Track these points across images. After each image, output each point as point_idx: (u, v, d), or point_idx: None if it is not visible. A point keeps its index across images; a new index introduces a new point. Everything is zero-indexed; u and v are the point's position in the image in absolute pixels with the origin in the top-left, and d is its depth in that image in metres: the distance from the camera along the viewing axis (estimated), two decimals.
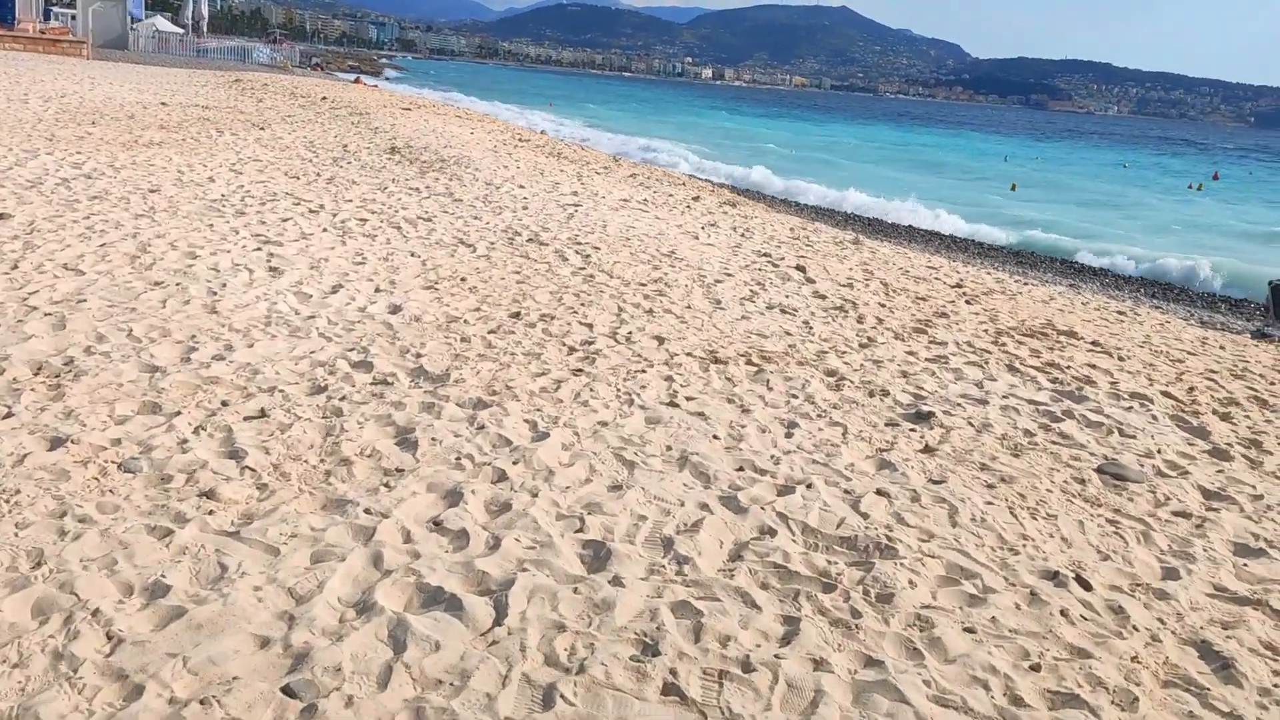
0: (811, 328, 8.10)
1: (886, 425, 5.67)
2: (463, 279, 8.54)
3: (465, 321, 7.14)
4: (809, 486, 4.60)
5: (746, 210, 16.65)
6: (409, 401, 5.29)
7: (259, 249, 8.78)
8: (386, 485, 4.23)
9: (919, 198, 29.67)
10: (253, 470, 4.26)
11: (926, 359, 7.55)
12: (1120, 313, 12.05)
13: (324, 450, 4.56)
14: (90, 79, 28.81)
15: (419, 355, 6.19)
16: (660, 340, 7.07)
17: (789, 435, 5.33)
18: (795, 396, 6.04)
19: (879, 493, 4.61)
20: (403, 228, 10.57)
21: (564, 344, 6.79)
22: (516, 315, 7.48)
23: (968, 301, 10.34)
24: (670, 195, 16.53)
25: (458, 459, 4.56)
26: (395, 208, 11.79)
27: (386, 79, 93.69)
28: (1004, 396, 6.59)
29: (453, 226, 10.95)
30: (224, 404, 5.06)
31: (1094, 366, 8.01)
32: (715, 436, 5.17)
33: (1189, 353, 9.52)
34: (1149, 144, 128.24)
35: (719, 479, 4.62)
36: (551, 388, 5.78)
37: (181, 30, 65.56)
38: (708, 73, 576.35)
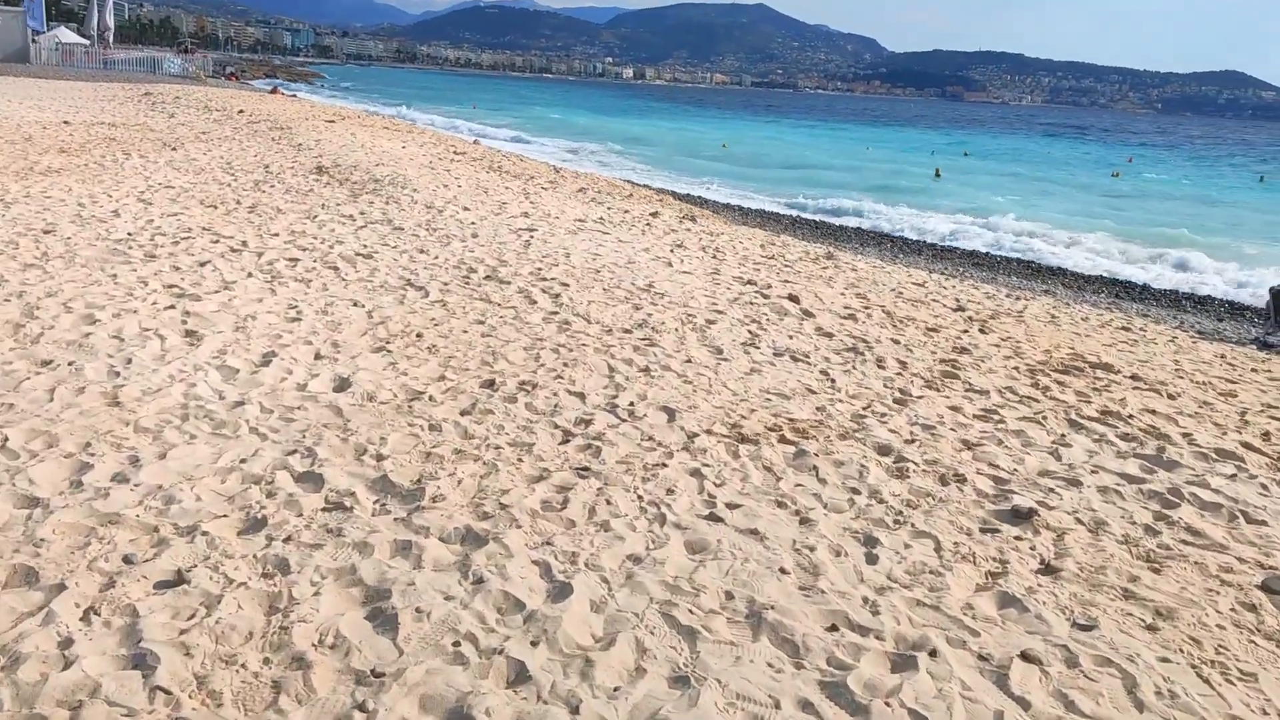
0: (833, 379, 6.94)
1: (983, 532, 4.51)
2: (418, 335, 7.22)
3: (430, 399, 5.84)
4: (932, 654, 3.41)
5: (708, 225, 15.48)
6: (376, 540, 3.99)
7: (172, 306, 7.36)
8: (361, 708, 2.93)
9: (862, 195, 30.33)
10: (166, 693, 2.94)
11: (975, 415, 6.44)
12: (1124, 329, 11.12)
13: (268, 642, 3.25)
14: None
15: (380, 456, 4.89)
16: (670, 413, 5.83)
17: (872, 559, 4.14)
18: (857, 491, 4.86)
19: (1024, 657, 3.44)
20: (340, 268, 9.20)
21: (555, 425, 5.53)
22: (490, 384, 6.19)
23: (981, 331, 9.29)
24: (626, 212, 15.29)
25: (455, 645, 3.28)
26: (329, 241, 10.39)
27: (310, 84, 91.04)
28: (1091, 470, 5.48)
29: (397, 264, 9.60)
30: (127, 562, 3.72)
31: (1153, 412, 6.98)
32: (783, 571, 3.95)
33: (1228, 380, 8.59)
34: (1066, 133, 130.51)
35: (810, 649, 3.41)
36: (556, 500, 4.51)
37: (87, 41, 62.56)
38: (629, 72, 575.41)
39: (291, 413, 5.44)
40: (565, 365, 6.70)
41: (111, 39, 68.55)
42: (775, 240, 14.82)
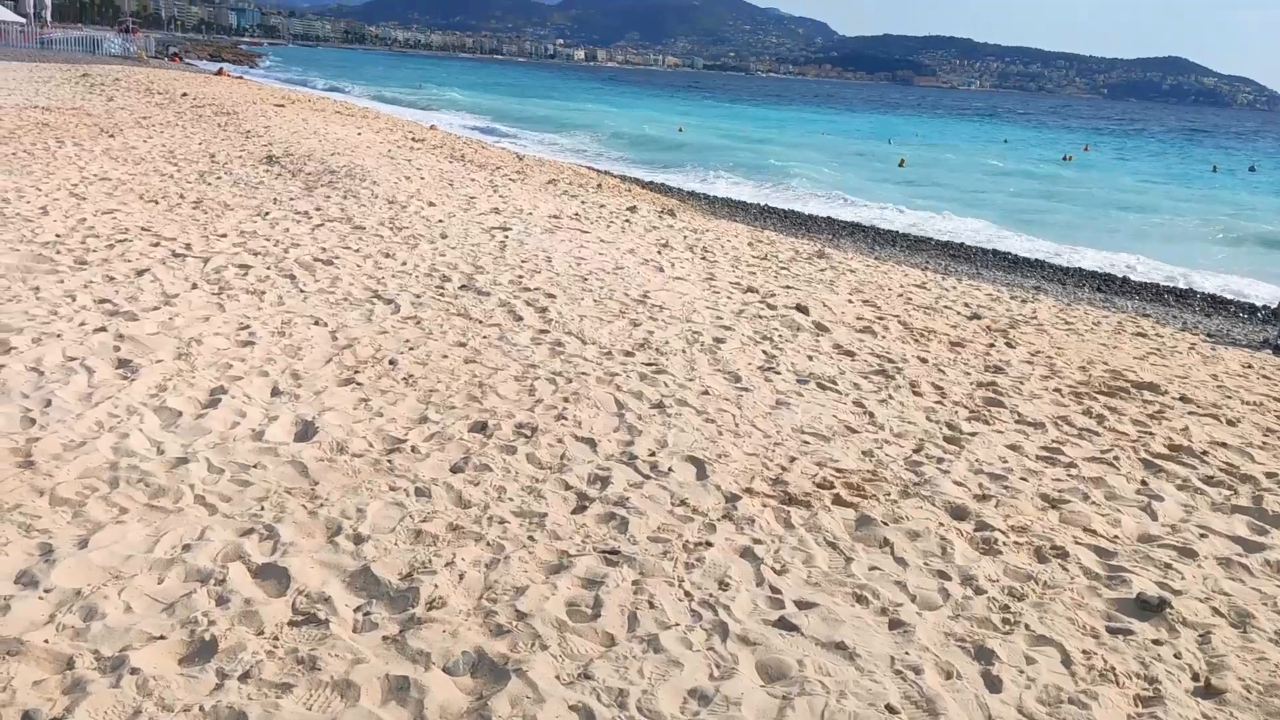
0: (871, 412, 6.08)
1: (1113, 633, 3.67)
2: (391, 361, 6.25)
3: (413, 450, 4.88)
4: None
5: (689, 220, 14.58)
6: (363, 676, 3.05)
7: (103, 328, 6.31)
8: None
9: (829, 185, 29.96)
10: None
11: (1039, 456, 5.63)
12: (1141, 334, 10.42)
13: None
14: None
15: (358, 537, 3.94)
16: (698, 465, 4.93)
17: (994, 684, 3.27)
18: (946, 576, 3.99)
19: None
20: (297, 276, 8.17)
21: (566, 484, 4.60)
22: (482, 428, 5.24)
23: (1009, 344, 8.50)
24: (602, 206, 14.33)
25: None
26: (283, 243, 9.34)
27: (255, 65, 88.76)
28: (1200, 534, 4.67)
29: (361, 270, 8.60)
30: None
31: (1223, 445, 6.24)
32: (890, 710, 3.07)
33: (1274, 397, 7.89)
34: (1017, 119, 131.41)
35: None
36: (585, 601, 3.59)
37: (22, 20, 60.10)
38: (580, 54, 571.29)
39: (246, 472, 4.47)
40: (566, 401, 5.77)
41: (49, 17, 66.08)
42: (761, 237, 13.96)
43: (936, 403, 6.49)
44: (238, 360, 5.99)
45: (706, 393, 6.11)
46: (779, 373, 6.70)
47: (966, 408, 6.47)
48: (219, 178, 12.99)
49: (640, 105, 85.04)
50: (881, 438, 5.65)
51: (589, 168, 27.13)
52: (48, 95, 23.72)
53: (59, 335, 6.09)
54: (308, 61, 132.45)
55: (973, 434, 5.92)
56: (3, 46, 49.81)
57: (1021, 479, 5.21)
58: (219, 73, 48.91)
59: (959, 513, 4.64)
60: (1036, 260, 20.12)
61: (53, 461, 4.38)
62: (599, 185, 19.51)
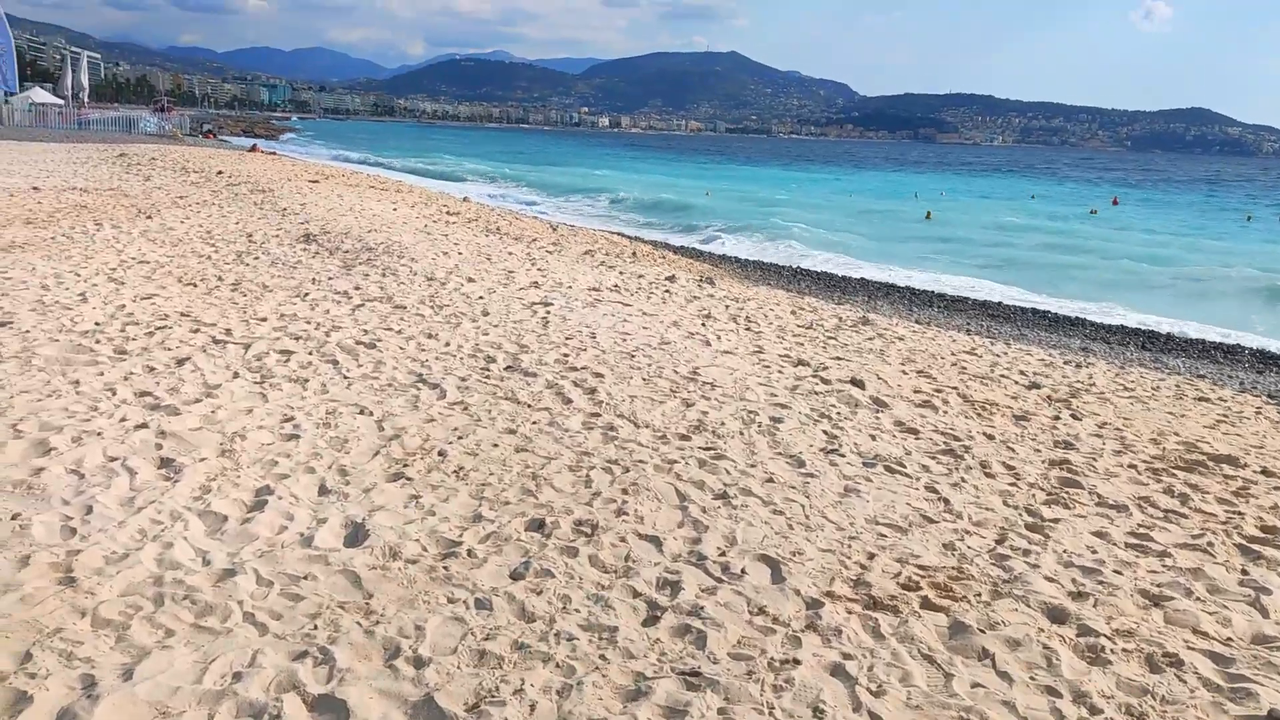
0: (945, 498, 5.77)
1: None
2: (440, 453, 6.01)
3: (470, 553, 4.61)
4: None
5: (729, 288, 14.38)
6: None
7: (144, 424, 6.13)
8: None
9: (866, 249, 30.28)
10: None
11: (1129, 544, 5.30)
12: (1203, 399, 10.05)
13: None
14: None
15: (419, 660, 3.66)
16: (773, 565, 4.63)
17: None
18: (1056, 693, 3.67)
19: None
20: (340, 361, 7.99)
21: (635, 591, 4.31)
22: (540, 526, 4.98)
23: (1074, 416, 8.16)
24: (640, 277, 14.16)
25: None
26: (324, 326, 9.20)
27: (283, 141, 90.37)
28: None
29: (404, 353, 8.41)
30: None
31: None
32: None
33: None
34: (1041, 172, 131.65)
35: None
36: None
37: (60, 102, 61.54)
38: (604, 121, 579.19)
39: (296, 585, 4.22)
40: (625, 493, 5.50)
41: (87, 98, 67.64)
42: (803, 304, 13.72)
43: (1011, 485, 6.17)
44: (283, 456, 5.78)
45: (770, 480, 5.82)
46: (843, 455, 6.40)
47: (1043, 489, 6.14)
48: (257, 258, 12.94)
49: (665, 170, 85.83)
50: (961, 528, 5.33)
51: (621, 235, 27.13)
52: (85, 176, 24.03)
53: (99, 433, 5.90)
54: (338, 135, 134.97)
55: (1054, 520, 5.59)
56: (42, 128, 50.85)
57: (1115, 572, 4.87)
58: (252, 149, 49.66)
59: (1057, 615, 4.31)
60: (1077, 318, 19.84)
61: (94, 577, 4.15)
62: (634, 254, 19.40)
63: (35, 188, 20.32)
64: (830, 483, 5.86)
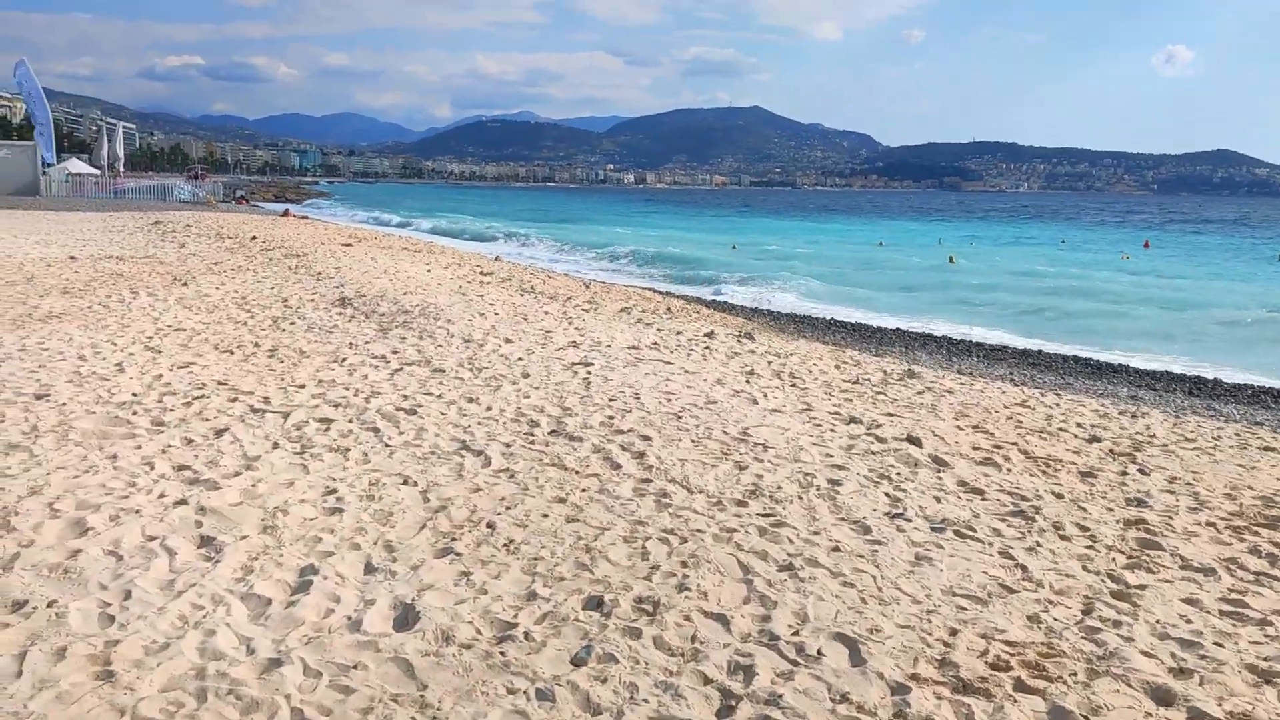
0: (1022, 565, 5.45)
1: None
2: (489, 524, 5.77)
3: (526, 636, 4.35)
4: None
5: (769, 342, 14.13)
6: None
7: (183, 500, 5.93)
8: None
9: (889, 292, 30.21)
10: None
11: (1223, 611, 4.97)
12: (1269, 449, 9.66)
13: None
14: None
15: None
16: (850, 645, 4.33)
17: None
18: None
19: None
20: (380, 429, 7.80)
21: (705, 678, 4.02)
22: (598, 604, 4.71)
23: (1141, 471, 7.82)
24: (679, 333, 13.95)
25: None
26: (363, 392, 9.02)
27: (314, 205, 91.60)
28: None
29: (445, 418, 8.21)
30: None
31: None
32: None
33: None
34: (1069, 218, 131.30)
35: None
36: None
37: (97, 172, 62.68)
38: (629, 177, 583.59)
39: (346, 675, 3.97)
40: (684, 565, 5.22)
41: (122, 168, 68.85)
42: (845, 357, 13.45)
43: (1088, 548, 5.85)
44: (327, 531, 5.55)
45: (836, 548, 5.53)
46: (909, 519, 6.10)
47: (1122, 553, 5.82)
48: (293, 323, 12.86)
49: (689, 225, 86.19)
50: (1043, 597, 5.01)
51: (653, 290, 27.03)
52: (121, 244, 24.25)
53: (138, 511, 5.71)
54: (368, 198, 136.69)
55: (1140, 587, 5.26)
56: (79, 198, 51.68)
57: (1216, 644, 4.54)
58: (284, 214, 50.21)
59: (1163, 696, 3.98)
60: (1119, 365, 19.46)
61: (134, 670, 3.92)
62: (669, 309, 19.24)
63: (72, 257, 20.48)
64: (900, 550, 5.56)
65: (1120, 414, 10.97)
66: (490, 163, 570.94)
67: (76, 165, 63.15)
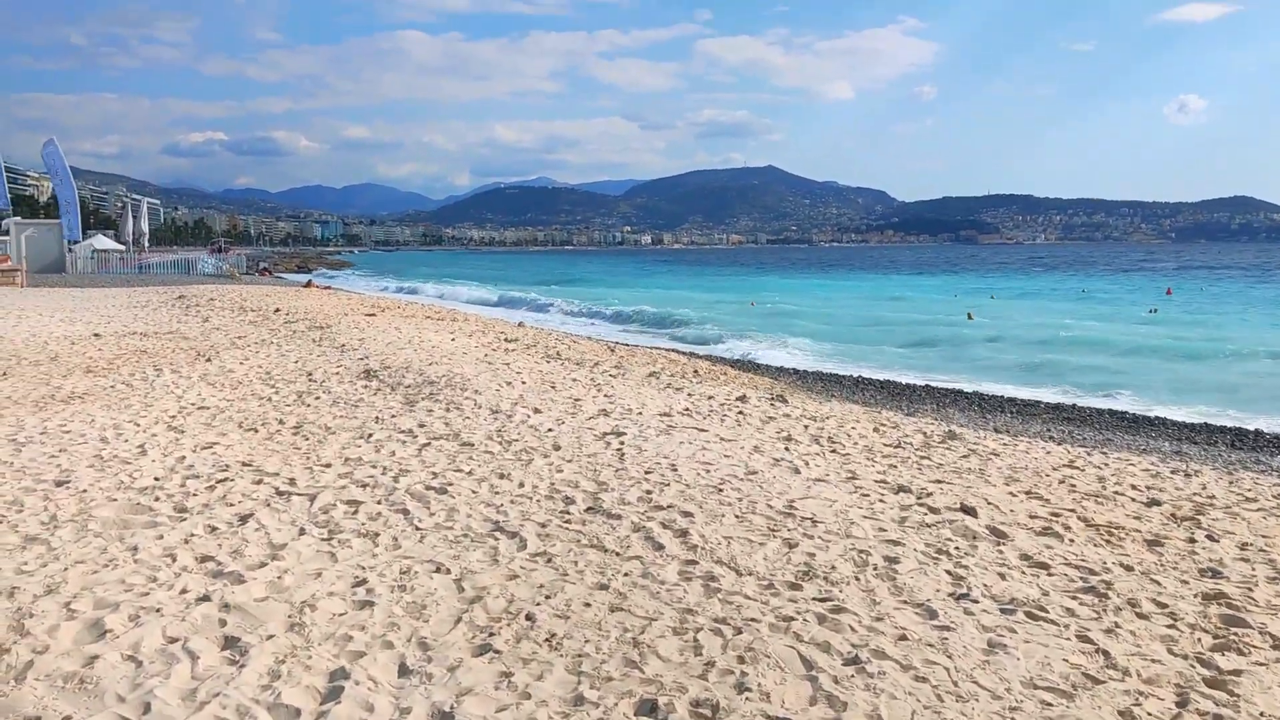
0: (1104, 650, 5.06)
1: None
2: (528, 616, 5.42)
3: None
4: None
5: (803, 405, 13.79)
6: None
7: (206, 597, 5.62)
8: None
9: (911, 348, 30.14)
10: None
11: None
12: None
13: None
14: (19, 311, 25.98)
15: None
16: None
17: None
18: None
19: None
20: (410, 510, 7.49)
21: None
22: (653, 710, 4.35)
23: (1210, 537, 7.42)
24: (710, 398, 13.64)
25: None
26: (391, 470, 8.73)
27: (336, 275, 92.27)
28: None
29: (477, 496, 7.90)
30: None
31: None
32: None
33: None
34: (1087, 267, 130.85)
35: None
36: None
37: (122, 248, 63.44)
38: (646, 238, 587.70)
39: None
40: (741, 661, 4.85)
41: (147, 243, 69.64)
42: (883, 419, 13.08)
43: (1170, 628, 5.45)
44: (357, 628, 5.22)
45: (904, 637, 5.16)
46: (976, 600, 5.72)
47: (1207, 632, 5.42)
48: (318, 397, 12.63)
49: (708, 283, 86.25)
50: (1132, 687, 4.62)
51: (676, 351, 26.78)
52: (145, 320, 24.24)
53: (159, 609, 5.40)
54: (389, 266, 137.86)
55: (1235, 672, 4.86)
56: (105, 274, 52.16)
57: None
58: (307, 285, 50.45)
59: None
60: (1156, 418, 18.95)
61: None
62: (695, 371, 18.96)
63: (96, 334, 20.44)
64: (970, 637, 5.18)
65: (1173, 473, 10.56)
66: (509, 228, 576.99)
67: (102, 241, 63.98)
